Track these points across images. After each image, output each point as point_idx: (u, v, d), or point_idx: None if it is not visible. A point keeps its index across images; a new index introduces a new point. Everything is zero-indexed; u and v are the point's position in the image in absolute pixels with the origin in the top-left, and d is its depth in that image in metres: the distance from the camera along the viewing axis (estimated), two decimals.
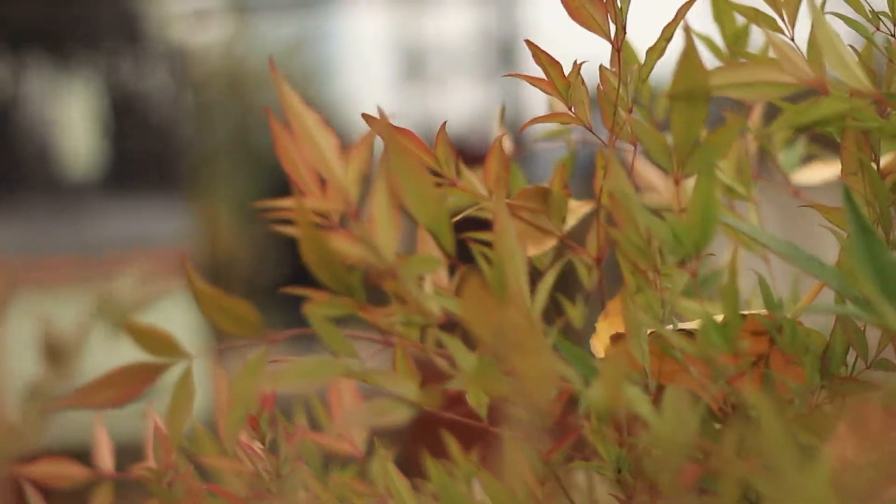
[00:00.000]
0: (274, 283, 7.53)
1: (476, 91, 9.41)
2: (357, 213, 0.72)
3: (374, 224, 0.72)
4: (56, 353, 0.67)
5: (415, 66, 10.02)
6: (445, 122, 0.85)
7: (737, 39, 0.92)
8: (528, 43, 0.79)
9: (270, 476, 0.82)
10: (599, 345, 0.86)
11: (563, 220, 0.88)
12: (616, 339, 0.84)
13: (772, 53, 0.77)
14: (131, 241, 5.92)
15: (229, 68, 10.40)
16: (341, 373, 0.70)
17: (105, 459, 1.00)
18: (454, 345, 0.71)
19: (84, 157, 6.53)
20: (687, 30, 0.70)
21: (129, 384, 0.69)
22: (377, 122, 0.76)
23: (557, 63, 0.80)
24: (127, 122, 6.64)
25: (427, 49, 9.93)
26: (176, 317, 2.63)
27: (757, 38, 0.94)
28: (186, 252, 6.21)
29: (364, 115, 0.81)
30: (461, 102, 9.34)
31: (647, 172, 1.01)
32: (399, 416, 0.69)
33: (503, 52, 9.27)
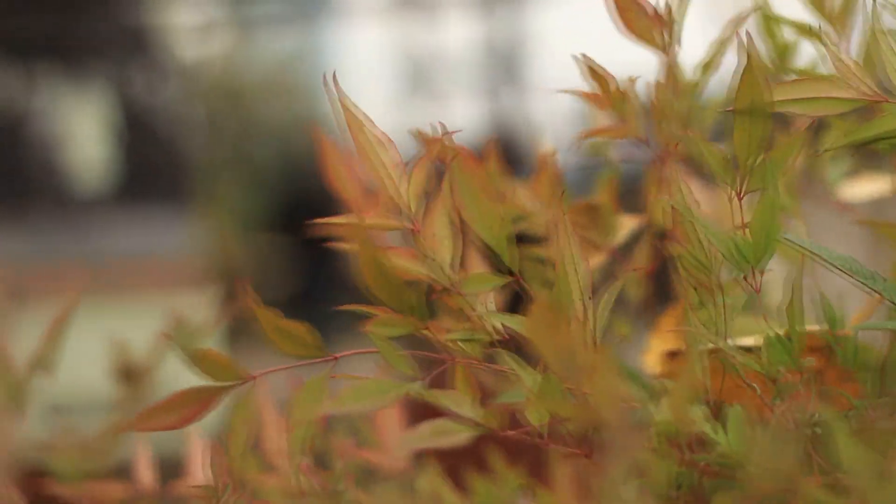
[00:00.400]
0: (282, 294, 7.53)
1: (479, 102, 9.40)
2: (419, 229, 0.72)
3: (435, 240, 0.72)
4: (129, 374, 0.66)
5: (416, 78, 10.02)
6: (495, 137, 0.84)
7: (785, 54, 0.91)
8: (583, 58, 0.79)
9: (324, 493, 0.81)
10: (652, 361, 0.86)
11: (613, 234, 0.88)
12: (670, 355, 0.84)
13: (824, 68, 0.77)
14: (140, 252, 5.92)
15: (229, 81, 10.40)
16: (403, 393, 0.69)
17: (146, 476, 1.00)
18: (516, 362, 0.71)
19: (94, 170, 6.53)
20: (749, 44, 0.70)
21: (190, 407, 0.68)
22: (435, 140, 0.76)
23: (611, 77, 0.80)
24: (136, 134, 6.64)
25: (429, 61, 9.93)
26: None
27: (805, 52, 0.93)
28: (198, 264, 6.21)
29: (417, 132, 0.81)
30: (463, 114, 9.34)
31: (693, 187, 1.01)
32: (462, 436, 0.69)
33: (506, 63, 9.26)
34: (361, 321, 0.74)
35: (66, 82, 6.50)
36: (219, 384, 0.69)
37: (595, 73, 0.79)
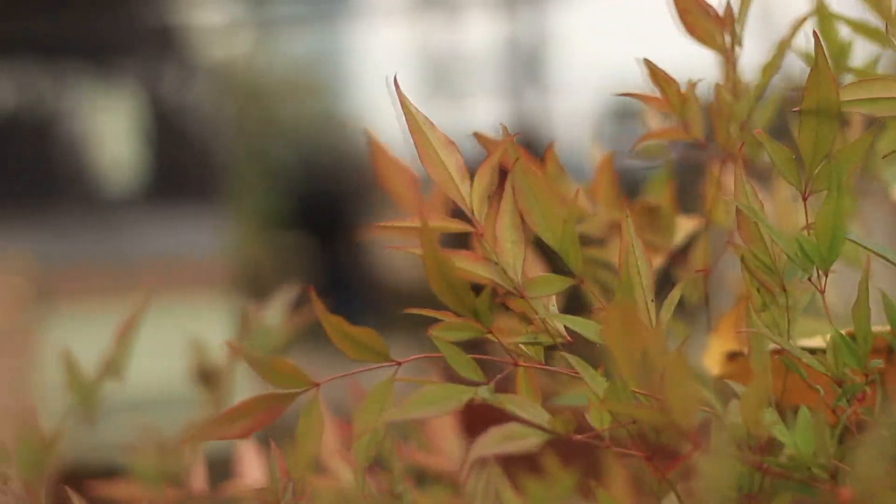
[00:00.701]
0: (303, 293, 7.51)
1: (501, 103, 9.39)
2: (482, 232, 0.72)
3: (499, 243, 0.72)
4: (208, 378, 0.66)
5: (438, 78, 10.02)
6: (553, 141, 0.84)
7: (841, 54, 0.91)
8: (646, 62, 0.78)
9: (384, 495, 0.81)
10: (711, 362, 0.85)
11: (672, 236, 0.87)
12: (730, 357, 0.83)
13: (881, 68, 0.76)
14: (169, 252, 5.93)
15: (252, 81, 10.41)
16: (470, 398, 0.69)
17: (199, 478, 1.00)
18: (582, 366, 0.71)
19: (123, 170, 6.55)
20: (817, 45, 0.70)
21: (258, 415, 0.68)
22: (497, 142, 0.75)
23: (673, 80, 0.79)
24: (165, 134, 6.66)
25: (450, 61, 9.93)
26: (209, 328, 2.63)
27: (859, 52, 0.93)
28: (225, 264, 6.22)
29: (477, 135, 0.81)
30: (485, 114, 9.32)
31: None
32: (531, 442, 0.69)
33: (528, 64, 9.26)
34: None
35: (95, 82, 6.52)
36: (286, 391, 0.69)
37: (657, 75, 0.78)
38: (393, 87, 0.74)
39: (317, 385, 0.70)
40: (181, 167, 6.62)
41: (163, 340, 2.51)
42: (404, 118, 0.73)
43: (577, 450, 0.87)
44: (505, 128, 0.74)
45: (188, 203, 6.49)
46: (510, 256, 0.71)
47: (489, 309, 0.70)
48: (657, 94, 0.80)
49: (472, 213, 0.72)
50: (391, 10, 9.98)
